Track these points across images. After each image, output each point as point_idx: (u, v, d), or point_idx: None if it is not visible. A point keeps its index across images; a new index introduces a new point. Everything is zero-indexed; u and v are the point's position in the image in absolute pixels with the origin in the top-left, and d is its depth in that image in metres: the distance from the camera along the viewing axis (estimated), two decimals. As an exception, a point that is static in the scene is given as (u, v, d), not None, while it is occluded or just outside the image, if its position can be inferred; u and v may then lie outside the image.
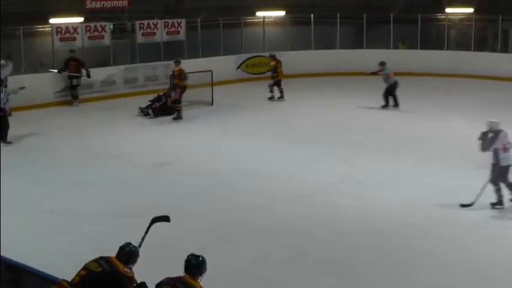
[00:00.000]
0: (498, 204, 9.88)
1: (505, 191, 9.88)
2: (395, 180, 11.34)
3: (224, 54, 21.45)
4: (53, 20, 18.86)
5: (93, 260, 5.56)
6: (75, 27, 18.67)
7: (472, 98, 18.57)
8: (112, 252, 5.63)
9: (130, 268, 5.57)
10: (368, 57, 21.54)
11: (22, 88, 15.38)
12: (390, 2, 23.11)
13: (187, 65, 18.37)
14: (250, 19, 23.06)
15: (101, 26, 19.17)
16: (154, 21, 20.19)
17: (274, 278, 7.88)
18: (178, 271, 5.39)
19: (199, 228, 9.33)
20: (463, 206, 9.90)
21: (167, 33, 20.42)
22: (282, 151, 13.51)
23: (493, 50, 23.02)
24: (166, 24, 20.40)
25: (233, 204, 10.35)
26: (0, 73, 15.03)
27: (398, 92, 17.03)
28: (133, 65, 19.83)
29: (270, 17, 23.46)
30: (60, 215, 9.91)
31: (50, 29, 18.43)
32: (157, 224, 6.27)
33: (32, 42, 18.66)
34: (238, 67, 21.62)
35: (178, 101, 16.25)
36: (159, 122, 16.22)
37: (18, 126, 14.41)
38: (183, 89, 16.34)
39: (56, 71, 15.46)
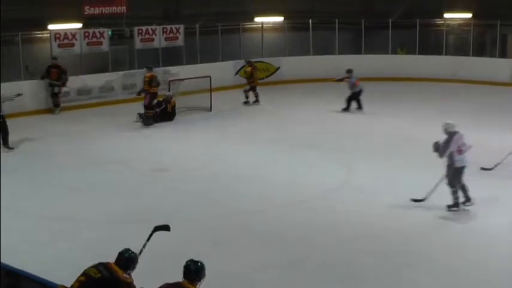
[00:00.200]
0: (454, 206, 9.93)
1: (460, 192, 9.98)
2: (395, 185, 11.33)
3: (222, 60, 21.46)
4: (51, 26, 18.89)
5: (92, 266, 5.57)
6: (73, 34, 18.71)
7: (471, 103, 18.60)
8: (111, 258, 5.63)
9: (129, 274, 5.57)
10: (367, 62, 21.64)
11: (19, 95, 15.29)
12: (389, 8, 23.15)
13: (186, 71, 18.43)
14: (248, 25, 23.10)
15: (99, 32, 19.19)
16: (153, 27, 20.22)
17: (273, 284, 7.86)
18: (177, 277, 5.37)
19: (197, 233, 9.31)
20: (414, 201, 10.09)
21: (165, 39, 20.46)
22: (280, 157, 13.50)
23: (492, 55, 23.06)
24: (164, 30, 20.45)
25: (232, 210, 10.32)
26: None
27: (363, 97, 17.48)
28: (131, 71, 19.83)
29: (268, 23, 23.51)
30: (59, 221, 9.90)
31: (49, 35, 18.46)
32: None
33: (30, 48, 18.66)
34: (236, 73, 21.61)
35: (147, 107, 16.41)
36: (157, 127, 16.22)
37: (15, 132, 14.32)
38: (153, 95, 16.53)
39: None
